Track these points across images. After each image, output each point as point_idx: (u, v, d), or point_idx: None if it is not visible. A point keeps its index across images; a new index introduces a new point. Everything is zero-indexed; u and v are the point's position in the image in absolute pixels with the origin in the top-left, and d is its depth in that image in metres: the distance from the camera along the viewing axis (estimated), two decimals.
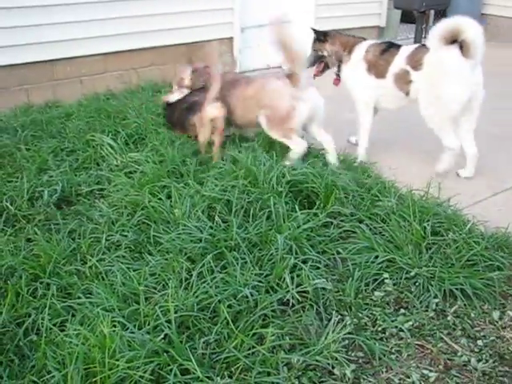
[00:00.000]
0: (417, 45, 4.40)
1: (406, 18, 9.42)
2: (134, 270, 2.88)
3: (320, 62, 4.72)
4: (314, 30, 4.72)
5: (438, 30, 3.91)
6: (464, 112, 4.08)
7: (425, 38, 9.20)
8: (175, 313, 2.51)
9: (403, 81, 4.24)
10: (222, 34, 7.04)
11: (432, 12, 9.84)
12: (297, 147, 4.08)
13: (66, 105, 5.63)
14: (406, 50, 4.29)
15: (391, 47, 4.38)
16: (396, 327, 2.72)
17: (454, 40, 3.89)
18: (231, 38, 7.15)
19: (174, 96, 4.56)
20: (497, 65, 7.73)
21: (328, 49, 4.62)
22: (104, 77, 6.27)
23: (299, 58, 4.07)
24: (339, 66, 4.66)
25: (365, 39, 4.59)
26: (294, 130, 4.08)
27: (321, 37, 4.65)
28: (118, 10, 6.07)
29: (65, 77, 6.01)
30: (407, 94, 4.29)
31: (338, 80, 4.73)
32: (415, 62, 4.15)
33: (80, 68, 6.08)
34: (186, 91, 4.52)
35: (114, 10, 6.04)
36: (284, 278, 2.80)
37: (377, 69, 4.37)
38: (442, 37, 3.88)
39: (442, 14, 9.67)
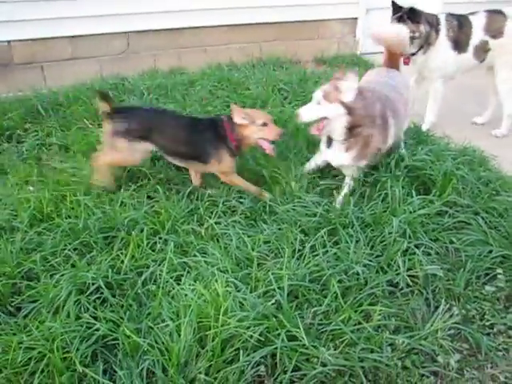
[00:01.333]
0: (488, 12, 4.42)
1: None
2: (248, 236, 2.97)
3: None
4: (408, 9, 4.35)
5: None
6: None
7: None
8: (288, 281, 2.57)
9: (482, 50, 4.44)
10: (346, 13, 6.94)
11: None
12: None
13: (189, 72, 5.80)
14: (480, 19, 4.39)
15: (462, 20, 4.44)
16: (505, 324, 2.66)
17: None
18: (355, 19, 7.04)
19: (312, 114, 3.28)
20: None
21: (422, 30, 4.35)
22: (227, 48, 6.39)
23: None
24: (421, 47, 4.44)
25: (437, 16, 4.46)
26: None
27: (416, 17, 4.34)
28: None
29: (190, 45, 6.18)
30: (482, 61, 4.51)
31: (408, 59, 4.51)
32: (495, 31, 4.35)
33: (205, 38, 6.23)
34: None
35: None
36: (395, 260, 2.80)
37: (459, 44, 4.44)
38: None
39: None
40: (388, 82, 3.72)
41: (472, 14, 4.46)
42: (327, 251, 2.84)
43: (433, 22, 4.39)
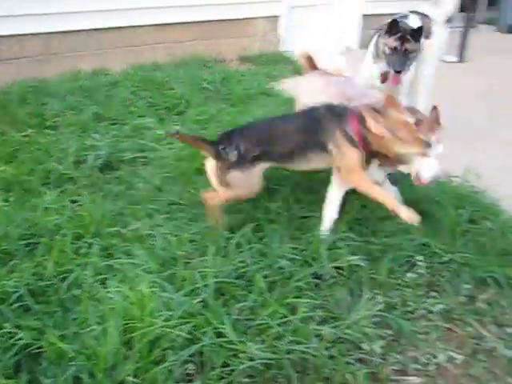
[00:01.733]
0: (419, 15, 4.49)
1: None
2: (174, 236, 2.96)
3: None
4: (412, 29, 4.10)
5: None
6: None
7: (473, 27, 9.07)
8: (213, 278, 2.59)
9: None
10: (269, 11, 7.03)
11: (484, 1, 9.69)
12: None
13: (112, 73, 5.72)
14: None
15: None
16: (426, 309, 2.76)
17: None
18: (277, 17, 7.13)
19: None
20: None
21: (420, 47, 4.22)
22: (151, 48, 6.35)
23: None
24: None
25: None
26: None
27: (419, 32, 4.12)
28: None
29: (114, 46, 6.10)
30: None
31: (398, 78, 4.22)
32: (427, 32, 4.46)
33: (129, 38, 6.16)
34: None
35: None
36: (320, 253, 2.85)
37: None
38: None
39: (491, 3, 9.53)
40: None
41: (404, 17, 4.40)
42: (252, 247, 2.87)
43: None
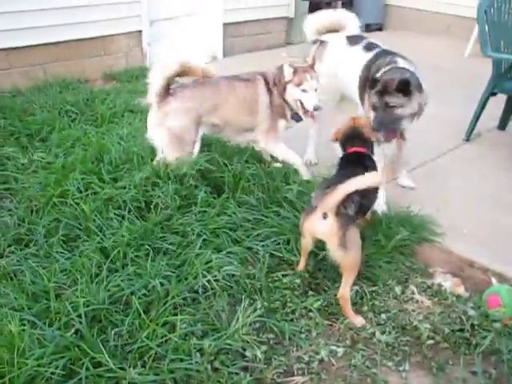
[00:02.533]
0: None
1: (315, 8, 9.59)
2: (43, 268, 2.85)
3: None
4: (399, 81, 3.41)
5: None
6: None
7: None
8: (87, 307, 2.51)
9: None
10: (130, 27, 6.94)
11: (339, 3, 10.11)
12: None
13: None
14: None
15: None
16: (305, 308, 2.83)
17: None
18: (140, 32, 7.07)
19: None
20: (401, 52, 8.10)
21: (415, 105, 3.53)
22: (9, 73, 6.06)
23: None
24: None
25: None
26: None
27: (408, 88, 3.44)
28: (20, 3, 5.87)
29: None
30: None
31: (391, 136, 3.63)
32: None
33: None
34: None
35: (16, 4, 5.84)
36: (195, 267, 2.84)
37: None
38: None
39: (348, 4, 9.98)
40: None
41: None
42: (127, 269, 2.81)
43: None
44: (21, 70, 6.14)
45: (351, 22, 4.36)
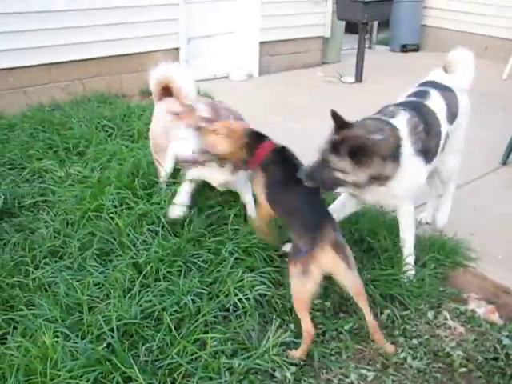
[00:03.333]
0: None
1: (351, 28, 9.63)
2: (77, 281, 2.89)
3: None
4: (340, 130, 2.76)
5: None
6: None
7: (369, 47, 9.48)
8: (118, 321, 2.54)
9: None
10: (168, 44, 7.05)
11: (375, 23, 10.13)
12: None
13: (9, 116, 5.53)
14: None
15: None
16: (336, 330, 2.81)
17: None
18: (177, 49, 7.17)
19: None
20: None
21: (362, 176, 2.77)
22: (49, 87, 6.20)
23: None
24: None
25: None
26: None
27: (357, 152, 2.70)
28: (62, 20, 6.03)
29: (8, 87, 5.92)
30: None
31: None
32: None
33: (23, 78, 6.00)
34: None
35: (58, 21, 6.00)
36: (227, 286, 2.85)
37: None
38: None
39: (384, 24, 10.00)
40: None
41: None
42: (160, 285, 2.84)
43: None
44: (60, 84, 6.28)
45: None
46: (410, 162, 2.91)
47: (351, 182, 2.78)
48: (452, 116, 3.29)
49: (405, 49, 9.79)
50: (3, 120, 5.38)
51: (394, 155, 2.82)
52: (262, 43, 8.04)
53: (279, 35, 8.22)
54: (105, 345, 2.44)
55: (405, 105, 3.15)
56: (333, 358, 2.67)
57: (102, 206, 3.50)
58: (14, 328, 2.62)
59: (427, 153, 3.05)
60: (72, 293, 2.80)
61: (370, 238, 3.39)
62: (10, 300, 2.84)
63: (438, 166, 3.48)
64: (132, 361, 2.35)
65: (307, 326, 2.61)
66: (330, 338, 2.78)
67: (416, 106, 3.13)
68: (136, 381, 2.28)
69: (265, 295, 2.89)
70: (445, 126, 3.21)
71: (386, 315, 2.91)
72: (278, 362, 2.51)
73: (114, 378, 2.28)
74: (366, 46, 8.75)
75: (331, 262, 2.57)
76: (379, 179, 2.83)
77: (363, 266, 3.14)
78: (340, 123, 2.74)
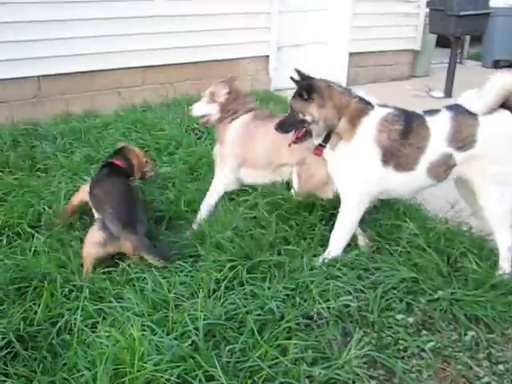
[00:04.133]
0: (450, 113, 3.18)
1: (442, 42, 9.43)
2: (163, 278, 2.97)
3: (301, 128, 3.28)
4: (295, 80, 3.25)
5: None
6: None
7: (460, 62, 9.24)
8: (203, 321, 2.58)
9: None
10: (258, 51, 7.16)
11: (467, 37, 9.87)
12: None
13: (103, 115, 5.77)
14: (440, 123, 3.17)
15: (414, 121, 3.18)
16: (418, 347, 2.75)
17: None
18: (267, 57, 7.26)
19: (201, 109, 4.16)
20: None
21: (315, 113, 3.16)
22: (141, 89, 6.43)
23: None
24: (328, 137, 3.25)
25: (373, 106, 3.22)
26: None
27: (304, 93, 3.16)
28: (158, 25, 6.24)
29: (104, 87, 6.17)
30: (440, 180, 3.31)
31: (320, 150, 3.32)
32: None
33: (118, 80, 6.24)
34: (214, 107, 4.06)
35: (153, 26, 6.21)
36: (311, 293, 2.86)
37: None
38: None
39: (477, 40, 9.73)
40: None
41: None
42: (244, 289, 2.88)
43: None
44: (152, 86, 6.48)
45: None
46: (364, 145, 3.15)
47: (309, 120, 3.16)
48: (461, 141, 3.11)
49: (498, 65, 9.49)
50: (98, 119, 5.60)
51: (352, 118, 3.15)
52: (351, 54, 8.04)
53: (369, 47, 8.18)
54: (189, 342, 2.49)
55: (399, 109, 3.24)
56: (413, 375, 2.61)
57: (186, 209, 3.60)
58: (104, 319, 2.72)
59: (392, 154, 3.14)
60: (159, 289, 2.88)
61: (460, 258, 3.31)
62: (100, 292, 2.95)
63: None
64: (215, 360, 2.39)
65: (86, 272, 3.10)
66: (412, 354, 2.72)
67: (410, 114, 3.22)
68: (218, 380, 2.32)
69: (348, 306, 2.87)
70: (442, 148, 3.13)
71: (470, 337, 2.83)
72: (358, 374, 2.48)
73: (196, 375, 2.32)
74: (457, 60, 8.55)
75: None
76: (334, 132, 3.19)
77: (450, 285, 3.08)
78: (303, 76, 3.23)
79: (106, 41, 6.00)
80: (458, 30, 7.63)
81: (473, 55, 10.25)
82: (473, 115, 3.10)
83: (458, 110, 3.15)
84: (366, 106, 3.18)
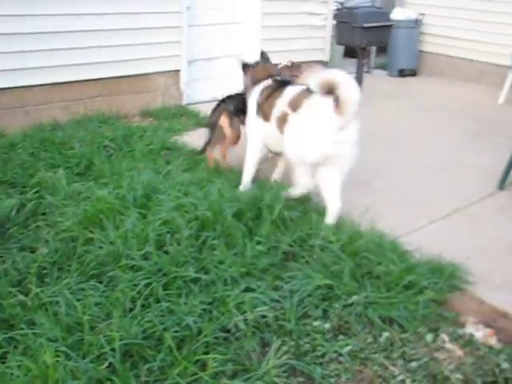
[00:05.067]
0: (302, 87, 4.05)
1: (349, 53, 9.74)
2: (78, 300, 2.89)
3: None
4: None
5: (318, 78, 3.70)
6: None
7: (367, 72, 9.57)
8: (119, 341, 2.54)
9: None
10: (169, 66, 7.11)
11: (373, 48, 10.23)
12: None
13: (10, 135, 5.55)
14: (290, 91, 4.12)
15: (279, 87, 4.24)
16: (335, 352, 2.81)
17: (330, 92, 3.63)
18: (178, 71, 7.24)
19: None
20: (433, 99, 8.16)
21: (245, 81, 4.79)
22: (50, 107, 6.24)
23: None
24: None
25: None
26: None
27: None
28: (65, 41, 6.10)
29: (9, 106, 5.96)
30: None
31: None
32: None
33: (25, 98, 6.05)
34: None
35: (60, 42, 6.07)
36: (228, 305, 2.86)
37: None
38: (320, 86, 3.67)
39: (382, 50, 10.11)
40: None
41: None
42: (160, 305, 2.85)
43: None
44: (61, 104, 6.31)
45: None
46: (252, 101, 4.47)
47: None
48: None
49: (402, 73, 9.89)
50: (4, 139, 5.40)
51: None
52: None
53: (279, 59, 8.29)
54: (106, 365, 2.45)
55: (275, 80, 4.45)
56: (332, 380, 2.67)
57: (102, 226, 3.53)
58: (15, 347, 2.62)
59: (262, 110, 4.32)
60: (73, 312, 2.81)
61: (370, 261, 3.41)
62: (11, 319, 2.84)
63: None
64: (133, 380, 2.35)
65: None
66: (330, 359, 2.78)
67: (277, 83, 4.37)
68: None
69: (264, 316, 2.90)
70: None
71: (385, 337, 2.92)
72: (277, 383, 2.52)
73: None
74: (364, 70, 8.85)
75: None
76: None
77: (364, 289, 3.17)
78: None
79: (10, 58, 5.80)
80: (363, 41, 7.96)
81: (379, 65, 10.60)
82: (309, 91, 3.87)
83: (301, 88, 4.04)
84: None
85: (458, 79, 9.40)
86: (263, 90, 4.35)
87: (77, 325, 2.74)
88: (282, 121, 4.05)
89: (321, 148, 3.76)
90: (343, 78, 3.61)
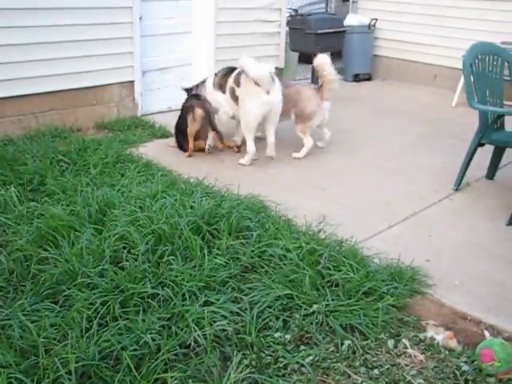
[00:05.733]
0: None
1: (304, 59, 9.78)
2: (32, 322, 2.81)
3: None
4: None
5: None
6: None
7: None
8: (76, 363, 2.47)
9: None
10: (123, 77, 7.03)
11: (328, 54, 10.31)
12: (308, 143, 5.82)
13: None
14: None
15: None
16: (298, 363, 2.78)
17: None
18: (132, 82, 7.16)
19: None
20: (388, 103, 8.26)
21: None
22: (1, 122, 6.09)
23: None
24: None
25: None
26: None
27: None
28: (15, 54, 5.97)
29: None
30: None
31: None
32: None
33: None
34: None
35: (11, 55, 5.93)
36: (187, 321, 2.82)
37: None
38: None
39: (337, 55, 10.18)
40: None
41: None
42: (118, 324, 2.79)
43: None
44: (13, 118, 6.17)
45: None
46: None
47: None
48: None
49: (357, 78, 9.98)
50: None
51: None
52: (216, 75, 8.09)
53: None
54: None
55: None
56: None
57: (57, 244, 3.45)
58: None
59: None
60: (27, 335, 2.72)
61: (330, 269, 3.41)
62: None
63: None
64: None
65: None
66: (292, 371, 2.75)
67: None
68: None
69: (224, 330, 2.86)
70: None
71: (347, 346, 2.91)
72: None
73: None
74: None
75: None
76: None
77: (324, 298, 3.16)
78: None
79: None
80: (317, 47, 8.01)
81: (335, 70, 10.69)
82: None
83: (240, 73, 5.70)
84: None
85: (413, 82, 9.54)
86: None
87: (31, 348, 2.66)
88: None
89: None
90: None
